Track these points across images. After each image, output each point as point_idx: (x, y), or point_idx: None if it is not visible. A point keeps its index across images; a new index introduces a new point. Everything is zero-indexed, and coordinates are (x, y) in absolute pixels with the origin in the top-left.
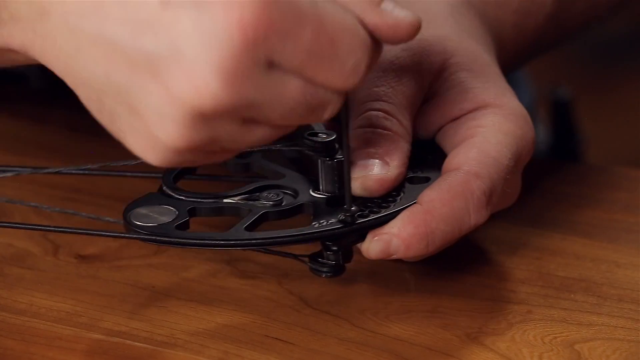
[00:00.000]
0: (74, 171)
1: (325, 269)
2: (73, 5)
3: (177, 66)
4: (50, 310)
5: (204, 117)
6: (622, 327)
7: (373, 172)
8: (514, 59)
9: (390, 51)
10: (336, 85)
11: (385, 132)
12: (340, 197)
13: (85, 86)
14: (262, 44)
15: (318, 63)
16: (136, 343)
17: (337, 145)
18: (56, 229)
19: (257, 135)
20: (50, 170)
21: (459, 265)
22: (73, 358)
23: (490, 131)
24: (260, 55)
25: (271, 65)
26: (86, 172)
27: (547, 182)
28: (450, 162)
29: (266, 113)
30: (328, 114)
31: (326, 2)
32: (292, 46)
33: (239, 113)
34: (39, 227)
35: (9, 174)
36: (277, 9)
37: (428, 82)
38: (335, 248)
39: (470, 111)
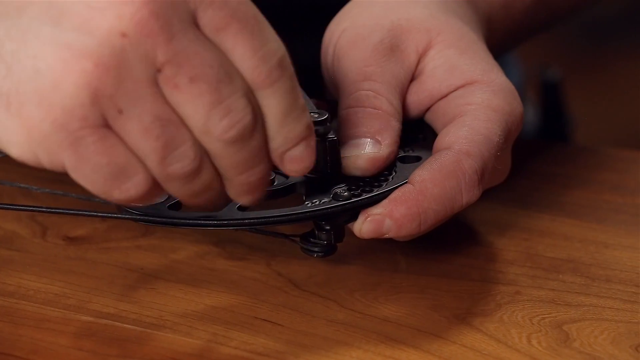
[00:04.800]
0: None
1: (316, 249)
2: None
3: None
4: (38, 292)
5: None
6: (610, 308)
7: (365, 151)
8: (504, 40)
9: (377, 32)
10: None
11: (376, 111)
12: (332, 176)
13: None
14: None
15: (237, 36)
16: (125, 325)
17: (329, 125)
18: (49, 209)
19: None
20: None
21: (448, 246)
22: (61, 340)
23: (480, 108)
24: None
25: (195, 24)
26: None
27: (535, 163)
28: (440, 141)
29: (177, 71)
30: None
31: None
32: (212, 12)
33: (151, 57)
34: (32, 208)
35: None
36: None
37: (415, 61)
38: (327, 227)
39: (458, 88)
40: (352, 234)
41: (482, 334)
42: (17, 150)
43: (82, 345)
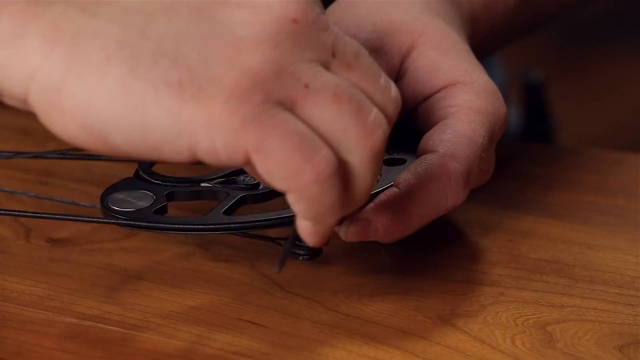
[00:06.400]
0: (54, 156)
1: (302, 252)
2: None
3: None
4: (22, 294)
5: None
6: (593, 309)
7: None
8: (488, 41)
9: (360, 34)
10: None
11: None
12: None
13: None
14: None
15: None
16: (108, 327)
17: None
18: (33, 214)
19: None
20: (31, 154)
21: (432, 247)
22: (45, 342)
23: (463, 110)
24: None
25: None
26: (66, 156)
27: (518, 164)
28: (425, 144)
29: (344, 51)
30: None
31: None
32: None
33: (321, 41)
34: (16, 213)
35: None
36: None
37: (399, 63)
38: None
39: (440, 89)
40: (336, 235)
41: (466, 335)
42: (193, 139)
43: (66, 347)
